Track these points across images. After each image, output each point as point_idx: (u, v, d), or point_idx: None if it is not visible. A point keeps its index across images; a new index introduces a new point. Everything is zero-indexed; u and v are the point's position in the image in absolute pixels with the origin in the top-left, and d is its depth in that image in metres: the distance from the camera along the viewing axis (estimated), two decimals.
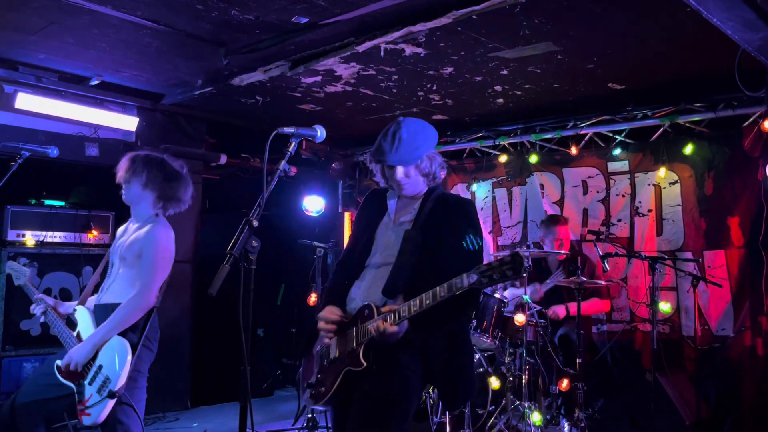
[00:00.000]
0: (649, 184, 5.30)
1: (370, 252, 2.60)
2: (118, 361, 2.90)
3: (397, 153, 2.45)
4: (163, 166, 3.22)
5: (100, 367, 2.93)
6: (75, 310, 3.17)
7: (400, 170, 2.51)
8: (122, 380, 2.85)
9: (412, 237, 2.48)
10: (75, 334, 3.10)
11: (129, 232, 3.22)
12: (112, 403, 2.85)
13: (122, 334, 2.96)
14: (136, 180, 3.16)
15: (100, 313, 3.08)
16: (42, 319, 3.22)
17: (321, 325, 2.54)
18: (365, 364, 2.35)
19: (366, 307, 2.42)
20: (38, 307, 3.23)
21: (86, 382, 2.94)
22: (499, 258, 2.15)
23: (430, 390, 4.29)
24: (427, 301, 2.24)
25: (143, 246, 3.07)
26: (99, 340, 2.95)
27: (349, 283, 2.61)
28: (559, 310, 4.84)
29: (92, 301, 3.23)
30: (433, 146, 2.57)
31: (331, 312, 2.54)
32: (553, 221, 5.23)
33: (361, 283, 2.56)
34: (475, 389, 2.69)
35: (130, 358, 2.89)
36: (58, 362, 3.02)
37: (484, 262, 2.25)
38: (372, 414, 2.33)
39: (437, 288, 2.23)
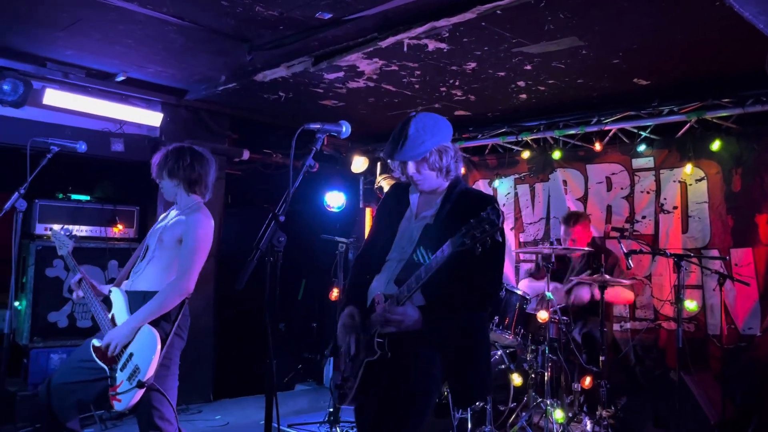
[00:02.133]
0: (674, 181, 5.22)
1: (392, 246, 2.61)
2: (147, 352, 2.95)
3: (402, 150, 2.48)
4: (183, 151, 3.27)
5: (131, 355, 2.99)
6: (110, 291, 3.23)
7: (410, 166, 2.53)
8: (151, 371, 2.91)
9: (431, 231, 2.49)
10: (110, 316, 3.15)
11: (170, 217, 3.29)
12: (141, 392, 2.91)
13: (154, 323, 3.01)
14: (164, 172, 3.24)
15: (133, 300, 3.13)
16: (81, 293, 3.25)
17: (339, 331, 2.59)
18: (379, 352, 2.37)
19: (376, 298, 2.45)
20: (76, 280, 3.27)
21: (118, 367, 3.00)
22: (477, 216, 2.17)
23: None
24: (422, 275, 2.27)
25: (184, 232, 3.12)
26: (138, 323, 3.00)
27: (371, 277, 2.62)
28: (583, 294, 4.76)
29: (127, 284, 3.29)
30: (445, 140, 2.55)
31: (351, 316, 2.57)
32: (565, 221, 5.12)
33: (381, 277, 2.58)
34: (489, 389, 2.71)
35: (159, 349, 2.94)
36: (95, 342, 3.09)
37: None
38: (392, 405, 2.35)
39: (428, 262, 2.27)
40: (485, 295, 2.54)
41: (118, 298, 3.18)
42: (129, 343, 3.01)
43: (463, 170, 2.66)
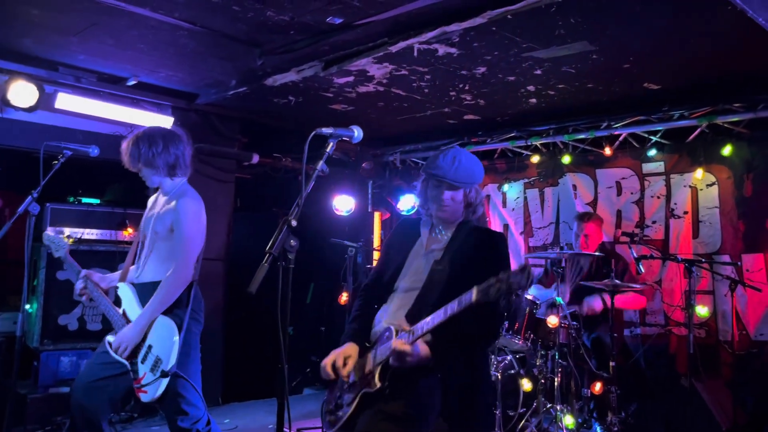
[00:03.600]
0: (685, 186, 5.20)
1: (399, 277, 2.63)
2: (166, 342, 2.97)
3: (457, 172, 2.51)
4: (153, 136, 3.18)
5: (150, 347, 3.01)
6: (117, 287, 3.24)
7: (448, 192, 2.54)
8: (173, 359, 2.93)
9: (441, 266, 2.51)
10: (121, 312, 3.16)
11: (159, 204, 3.26)
12: (166, 381, 2.92)
13: (168, 312, 3.03)
14: (140, 163, 3.17)
15: (143, 291, 3.15)
16: (84, 298, 3.27)
17: (327, 365, 2.53)
18: (379, 384, 2.36)
19: (386, 330, 2.44)
20: (81, 284, 3.29)
21: (138, 360, 3.02)
22: (507, 271, 2.14)
23: None
24: (438, 319, 2.24)
25: (174, 220, 3.10)
26: (146, 321, 3.02)
27: (378, 306, 2.64)
28: (595, 304, 4.75)
29: (133, 270, 3.30)
30: (481, 181, 2.63)
31: (345, 354, 2.53)
32: (579, 216, 5.22)
33: (388, 307, 2.59)
34: (491, 426, 2.72)
35: (177, 338, 2.96)
36: (110, 338, 3.11)
37: (514, 266, 2.23)
38: (381, 420, 2.32)
39: (447, 304, 2.23)
40: (493, 334, 2.55)
41: (126, 292, 3.20)
42: (144, 337, 3.03)
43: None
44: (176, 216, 3.10)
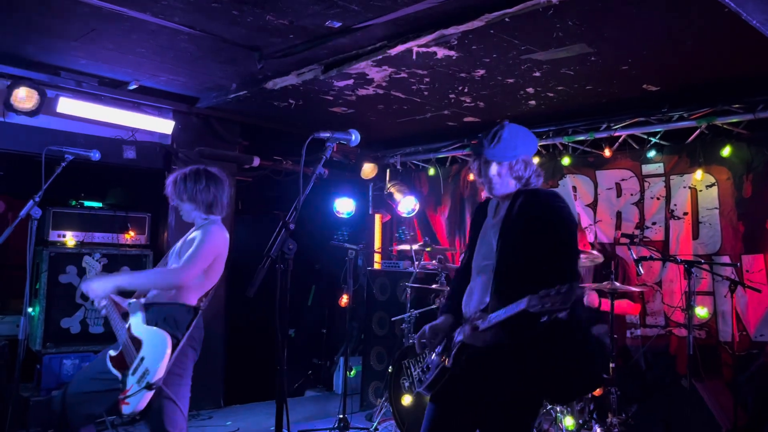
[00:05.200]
0: (684, 187, 5.20)
1: (474, 257, 2.74)
2: (158, 354, 2.98)
3: (495, 149, 2.55)
4: (199, 174, 3.35)
5: (142, 359, 3.02)
6: (129, 303, 3.26)
7: (494, 167, 2.59)
8: (160, 373, 2.92)
9: (503, 238, 2.57)
10: (126, 326, 3.18)
11: (187, 235, 3.36)
12: (149, 394, 2.91)
13: (167, 329, 3.04)
14: (185, 197, 3.31)
15: (152, 311, 3.17)
16: (104, 312, 3.30)
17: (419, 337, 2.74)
18: (451, 363, 2.52)
19: (475, 312, 2.57)
20: (103, 302, 3.30)
21: (130, 371, 3.02)
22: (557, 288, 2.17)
23: None
24: (500, 317, 2.36)
25: (195, 238, 3.21)
26: (120, 282, 3.15)
27: (464, 288, 2.75)
28: (592, 296, 4.80)
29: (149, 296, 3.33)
30: (532, 153, 2.64)
31: (436, 328, 2.70)
32: None
33: (471, 285, 2.70)
34: (589, 381, 2.72)
35: (169, 352, 2.97)
36: (112, 352, 3.12)
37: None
38: (462, 417, 2.48)
39: (508, 306, 2.34)
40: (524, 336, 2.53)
41: (135, 308, 3.22)
42: (140, 348, 3.04)
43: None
44: (197, 236, 3.20)
